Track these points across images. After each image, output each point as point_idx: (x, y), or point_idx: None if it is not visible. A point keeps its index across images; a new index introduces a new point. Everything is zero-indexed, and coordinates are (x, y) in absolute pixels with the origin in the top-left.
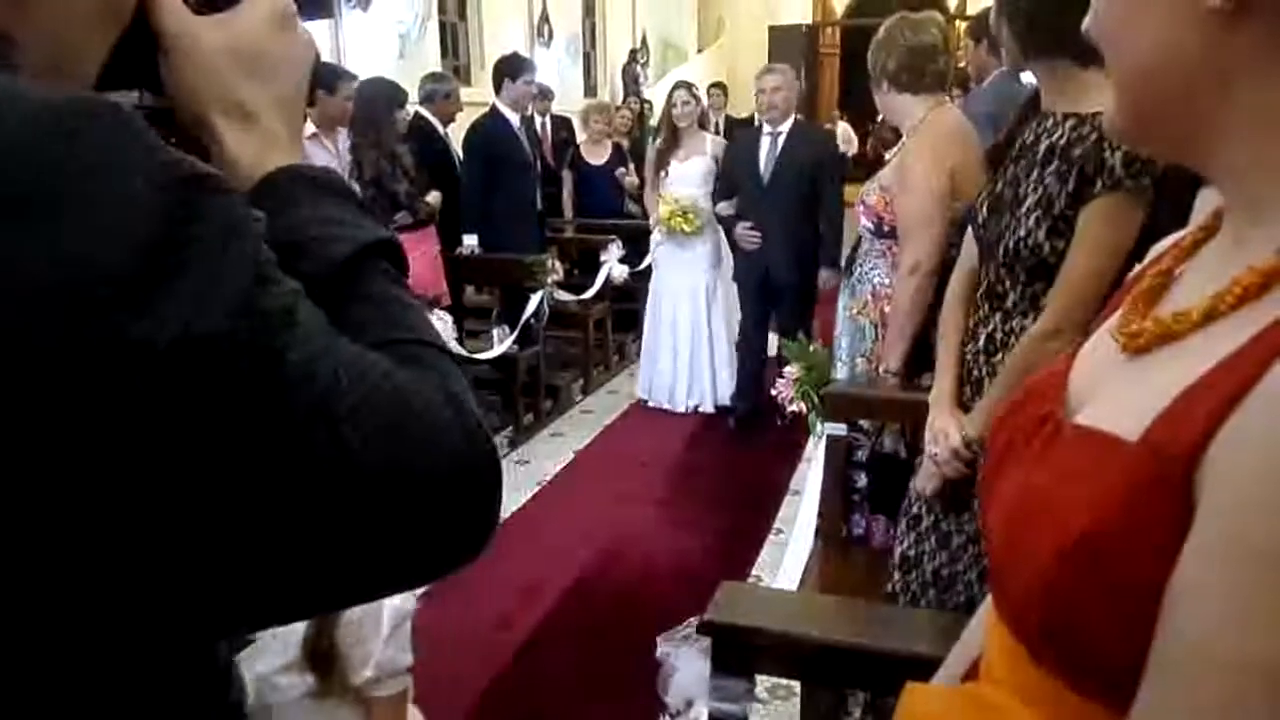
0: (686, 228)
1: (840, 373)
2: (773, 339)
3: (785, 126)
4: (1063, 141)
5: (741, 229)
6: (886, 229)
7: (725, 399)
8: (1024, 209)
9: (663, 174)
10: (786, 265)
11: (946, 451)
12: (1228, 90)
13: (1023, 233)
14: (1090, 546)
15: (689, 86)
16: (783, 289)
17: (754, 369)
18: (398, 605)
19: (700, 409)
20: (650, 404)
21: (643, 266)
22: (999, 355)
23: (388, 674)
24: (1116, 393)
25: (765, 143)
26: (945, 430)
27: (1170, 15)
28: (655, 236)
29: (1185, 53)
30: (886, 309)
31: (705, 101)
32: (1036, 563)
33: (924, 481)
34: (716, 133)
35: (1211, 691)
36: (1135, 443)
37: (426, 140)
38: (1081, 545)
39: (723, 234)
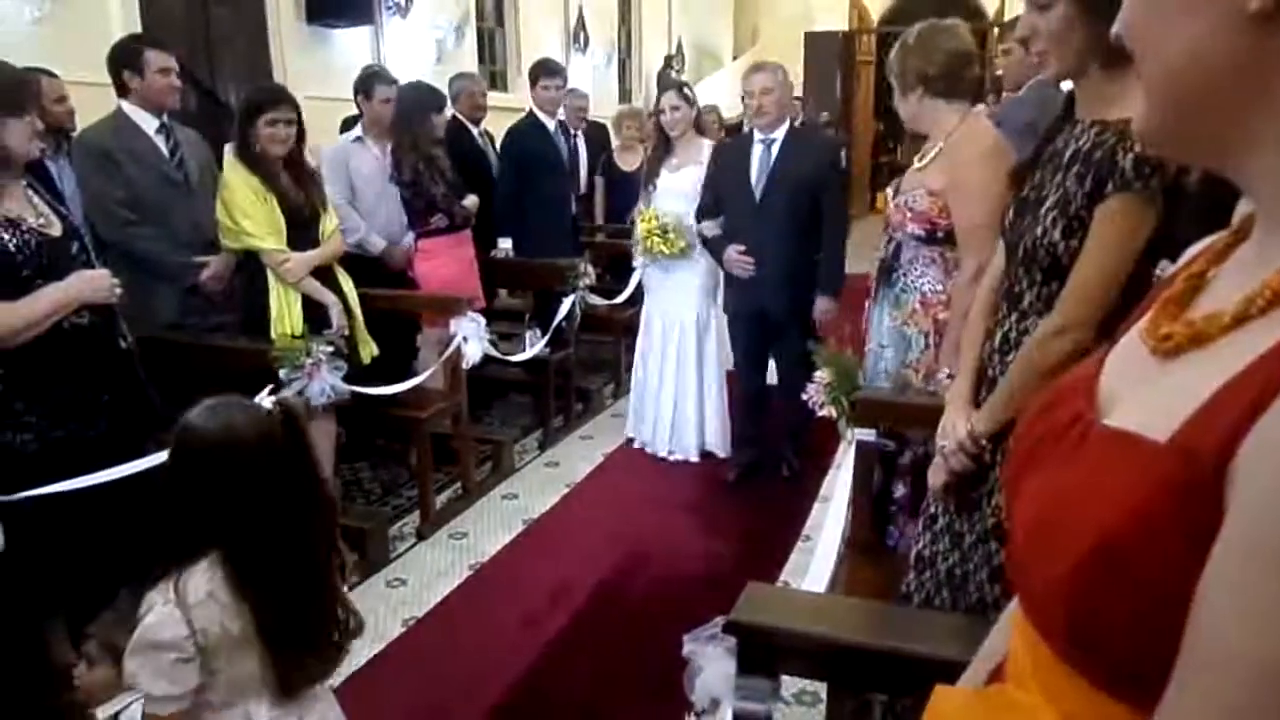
0: (665, 249)
1: (882, 384)
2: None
3: (779, 133)
4: (1086, 146)
5: (733, 253)
6: (940, 234)
7: (714, 446)
8: (1043, 210)
9: (651, 187)
10: (786, 294)
11: (953, 445)
12: (1264, 94)
13: (1039, 232)
14: (1118, 547)
15: (679, 88)
16: (783, 323)
17: (752, 416)
18: (150, 623)
19: (678, 456)
20: (637, 445)
21: None
22: (1012, 354)
23: (134, 687)
24: (1146, 395)
25: (757, 152)
26: (954, 425)
27: (1207, 18)
28: (638, 259)
29: (1222, 56)
30: (940, 316)
31: (726, 107)
32: (1064, 562)
33: (933, 476)
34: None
35: (1236, 694)
36: (1164, 444)
37: (456, 141)
38: (1109, 545)
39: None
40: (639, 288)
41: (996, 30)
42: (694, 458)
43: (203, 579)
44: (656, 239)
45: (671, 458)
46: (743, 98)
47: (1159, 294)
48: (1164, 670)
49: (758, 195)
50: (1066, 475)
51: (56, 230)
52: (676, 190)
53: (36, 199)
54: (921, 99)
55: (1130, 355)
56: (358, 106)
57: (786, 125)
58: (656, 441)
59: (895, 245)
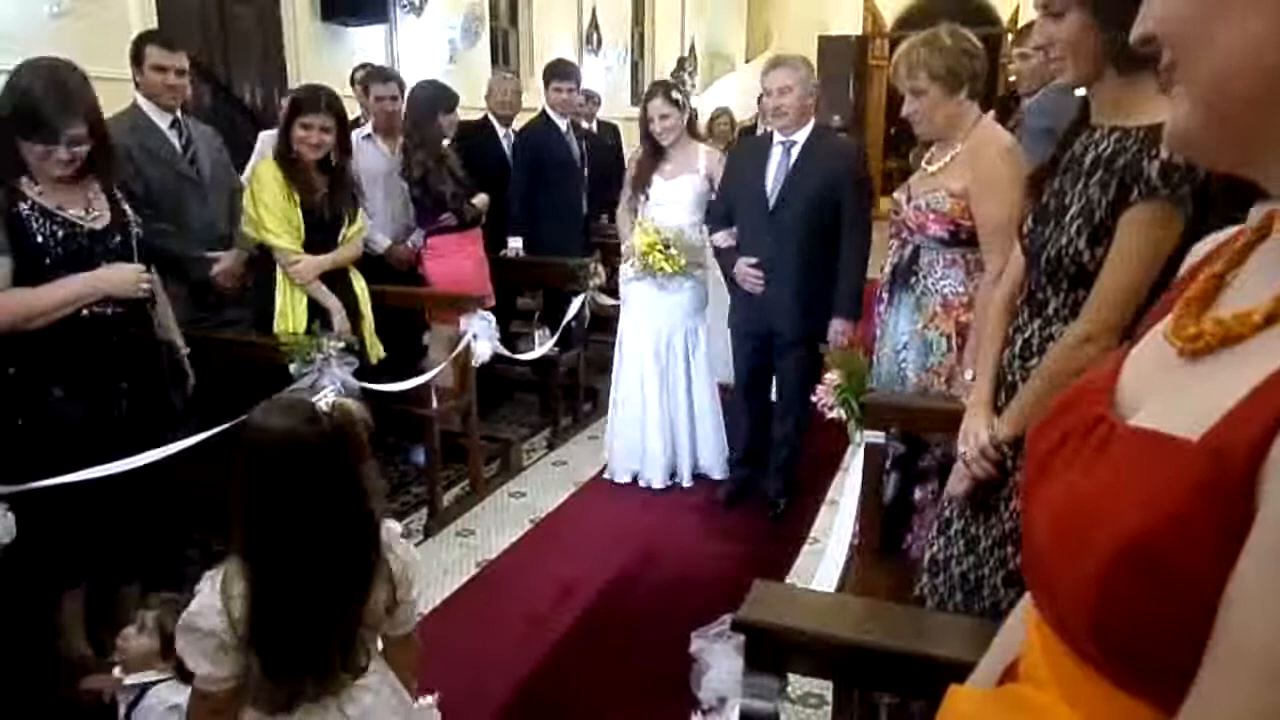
0: (668, 267)
1: (902, 390)
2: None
3: (800, 135)
4: (1107, 153)
5: (744, 265)
6: (964, 236)
7: (708, 468)
8: (1068, 218)
9: (641, 195)
10: (796, 313)
11: (975, 451)
12: None
13: (1064, 241)
14: (1147, 546)
15: (667, 91)
16: (789, 343)
17: (749, 437)
18: (193, 609)
19: (677, 482)
20: (615, 480)
21: None
22: (1034, 360)
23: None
24: (1174, 395)
25: (775, 155)
26: (975, 431)
27: (1263, 15)
28: (626, 270)
29: (1277, 54)
30: (963, 318)
31: (738, 107)
32: (1089, 562)
33: (954, 483)
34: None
35: (1263, 694)
36: (1196, 444)
37: (475, 138)
38: (1138, 545)
39: (716, 270)
40: None
41: (1010, 36)
42: (687, 482)
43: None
44: (659, 255)
45: (668, 486)
46: (760, 97)
47: (1178, 294)
48: (1188, 670)
49: (770, 203)
50: (1092, 476)
51: (99, 223)
52: (673, 200)
53: (96, 192)
54: (963, 101)
55: (1154, 356)
56: (361, 105)
57: (810, 128)
58: (652, 471)
59: (913, 249)
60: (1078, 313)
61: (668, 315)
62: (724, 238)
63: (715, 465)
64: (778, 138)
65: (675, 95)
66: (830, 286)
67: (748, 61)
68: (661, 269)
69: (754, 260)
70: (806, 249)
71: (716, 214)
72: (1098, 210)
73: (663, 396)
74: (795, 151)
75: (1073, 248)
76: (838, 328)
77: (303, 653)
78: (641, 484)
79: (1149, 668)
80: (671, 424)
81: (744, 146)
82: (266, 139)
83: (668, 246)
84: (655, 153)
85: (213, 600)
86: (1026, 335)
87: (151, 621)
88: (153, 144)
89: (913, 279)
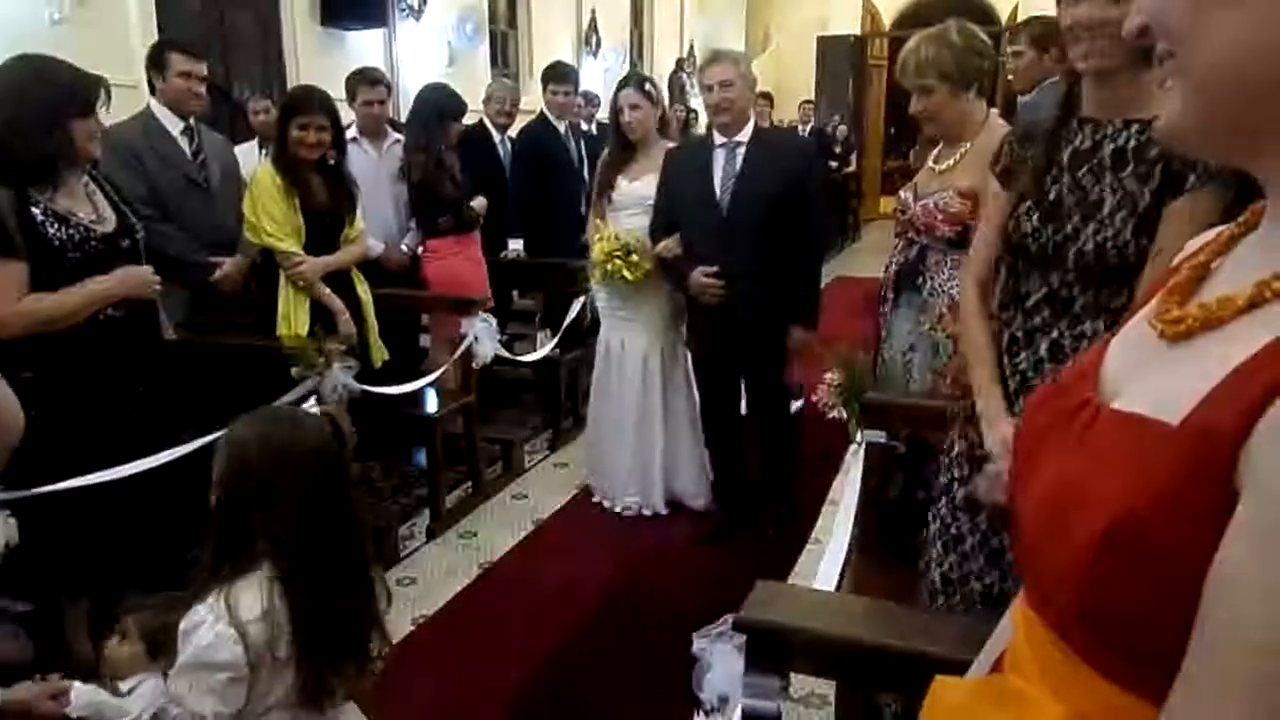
0: (628, 274)
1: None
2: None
3: (744, 134)
4: (1133, 144)
5: (700, 275)
6: (973, 238)
7: (684, 495)
8: (1105, 212)
9: (606, 199)
10: (761, 321)
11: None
12: None
13: (1109, 234)
14: (1131, 528)
15: (640, 83)
16: (756, 353)
17: (728, 461)
18: (206, 644)
19: (645, 510)
20: (597, 499)
21: None
22: (1067, 362)
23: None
24: (1157, 378)
25: (720, 159)
26: (1005, 439)
27: (1266, 9)
28: (593, 284)
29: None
30: None
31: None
32: (1075, 546)
33: (986, 494)
34: None
35: (1250, 671)
36: (1177, 426)
37: (475, 143)
38: (1122, 527)
39: None
40: None
41: (1008, 34)
42: (662, 510)
43: (254, 595)
44: (618, 262)
45: (629, 513)
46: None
47: (1162, 283)
48: (1174, 656)
49: (724, 209)
50: (1076, 459)
51: (108, 226)
52: (636, 202)
53: (98, 195)
54: (972, 99)
55: (1137, 340)
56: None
57: (752, 126)
58: (616, 493)
59: (920, 249)
60: (1107, 309)
61: (636, 328)
62: (671, 246)
63: (699, 492)
64: (718, 139)
65: (648, 87)
66: (790, 287)
67: None
68: (622, 277)
69: (712, 269)
70: (765, 252)
71: (657, 224)
72: (1141, 201)
73: (637, 416)
74: (740, 152)
75: (1120, 239)
76: (800, 336)
77: (345, 650)
78: (608, 505)
79: (1135, 654)
80: (641, 447)
81: (681, 152)
82: (241, 154)
83: (628, 253)
84: (624, 148)
85: (224, 630)
86: (1054, 336)
87: (132, 629)
88: (164, 148)
89: (919, 280)
